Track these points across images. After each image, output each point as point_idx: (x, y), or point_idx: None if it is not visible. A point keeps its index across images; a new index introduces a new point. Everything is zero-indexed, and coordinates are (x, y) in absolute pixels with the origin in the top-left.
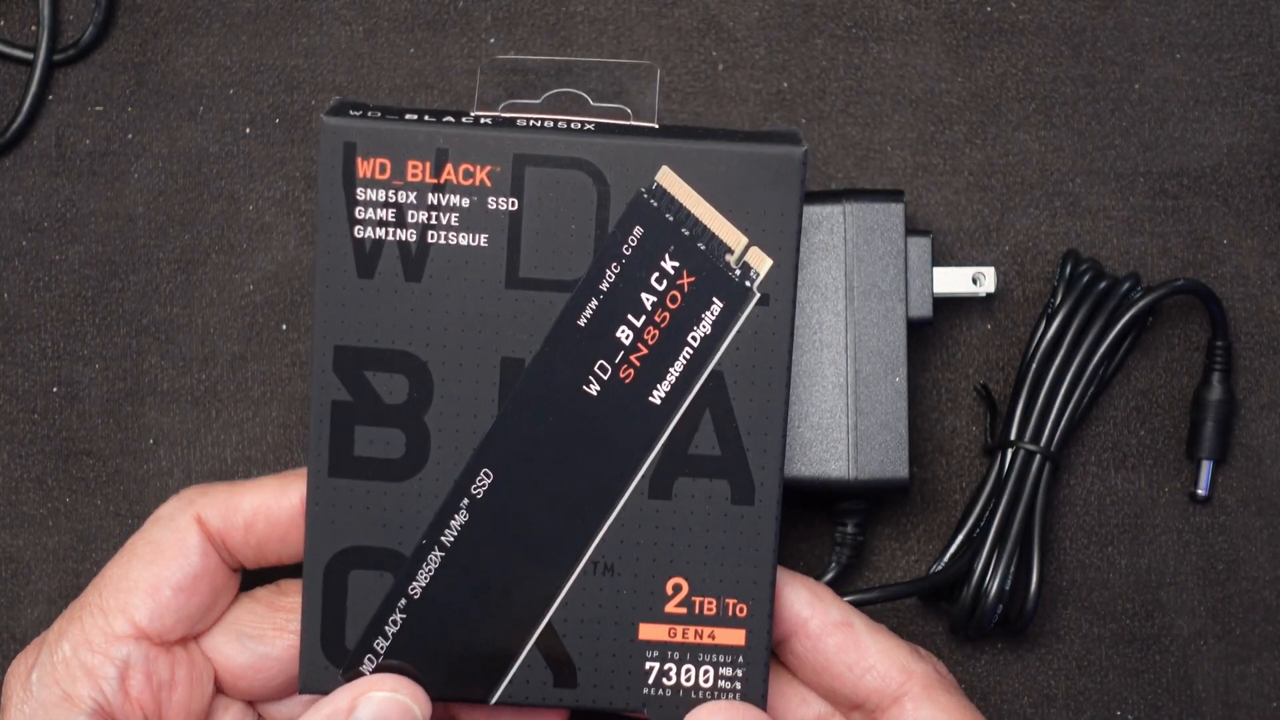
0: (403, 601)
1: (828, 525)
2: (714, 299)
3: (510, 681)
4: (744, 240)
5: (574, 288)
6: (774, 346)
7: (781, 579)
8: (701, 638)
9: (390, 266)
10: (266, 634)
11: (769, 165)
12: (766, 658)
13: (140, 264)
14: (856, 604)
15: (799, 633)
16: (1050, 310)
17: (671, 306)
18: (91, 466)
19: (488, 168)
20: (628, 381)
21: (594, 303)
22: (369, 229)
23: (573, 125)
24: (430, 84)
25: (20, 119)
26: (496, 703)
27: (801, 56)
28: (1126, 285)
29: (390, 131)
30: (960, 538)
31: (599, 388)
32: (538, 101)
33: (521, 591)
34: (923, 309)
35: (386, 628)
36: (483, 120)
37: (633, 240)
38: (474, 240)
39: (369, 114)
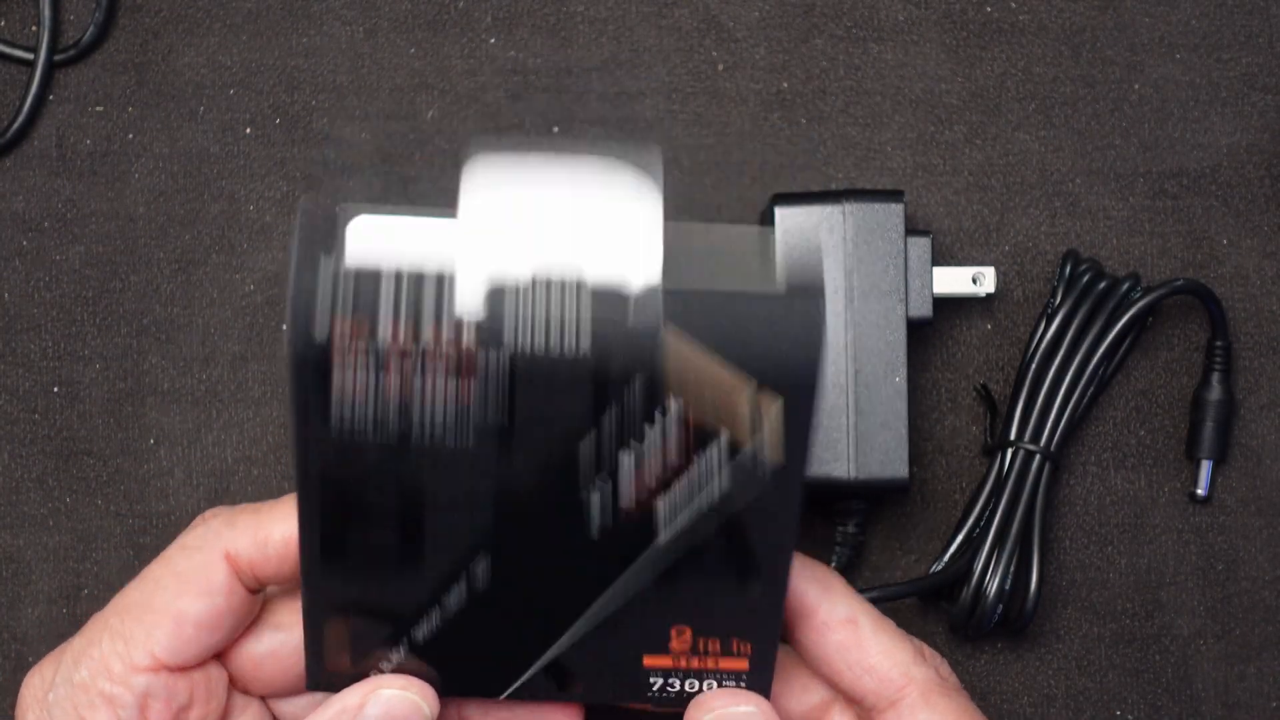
0: (405, 640)
1: (828, 525)
2: (720, 440)
3: (517, 688)
4: (749, 398)
5: (566, 442)
6: (783, 520)
7: (794, 563)
8: (706, 664)
9: (370, 448)
10: (284, 621)
11: (781, 379)
12: (770, 672)
13: (140, 264)
14: None
15: (803, 624)
16: (1050, 310)
17: (672, 452)
18: (92, 466)
19: (475, 338)
20: (630, 511)
21: (590, 442)
22: (345, 407)
23: (566, 298)
24: (430, 84)
25: (21, 119)
26: (505, 697)
27: (801, 56)
28: (1126, 285)
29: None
30: (960, 538)
31: (599, 510)
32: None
33: (523, 639)
34: (923, 309)
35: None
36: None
37: (632, 397)
38: (460, 401)
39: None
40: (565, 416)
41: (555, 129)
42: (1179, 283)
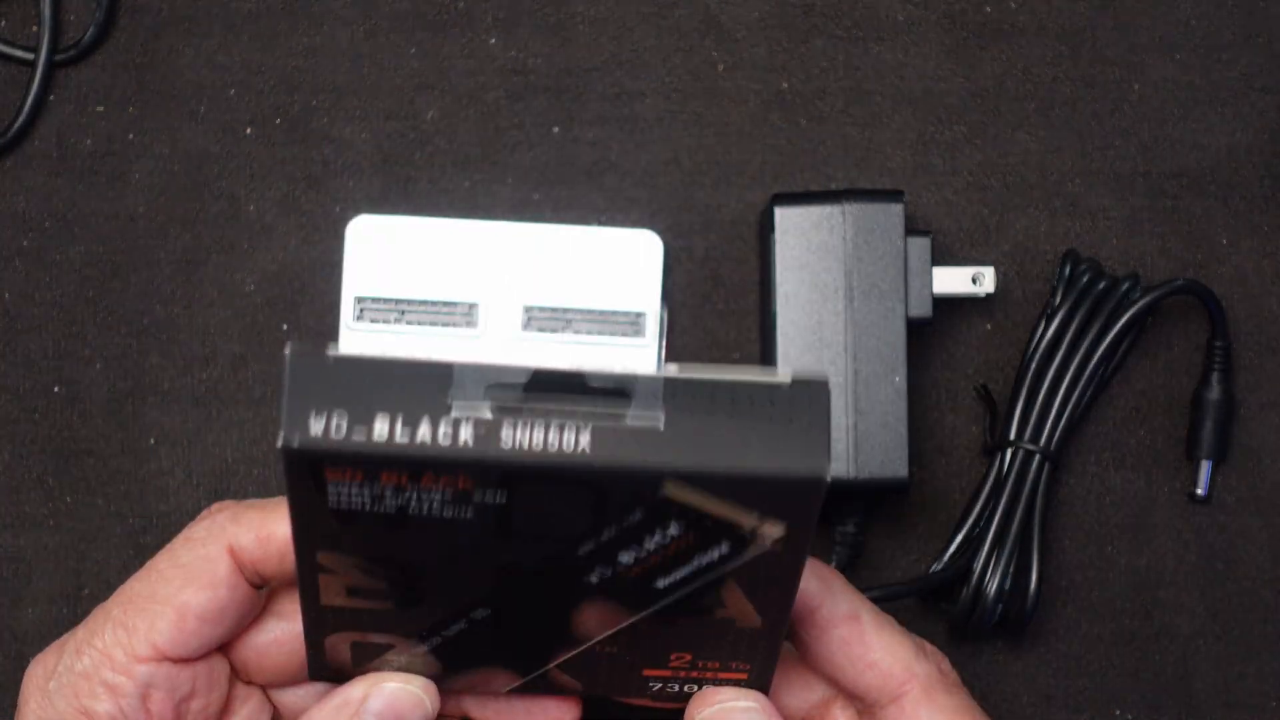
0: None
1: (828, 525)
2: (722, 545)
3: (520, 687)
4: (754, 520)
5: (566, 543)
6: (787, 583)
7: None
8: (705, 675)
9: (367, 526)
10: (286, 610)
11: (790, 476)
12: (770, 676)
13: (141, 264)
14: None
15: (805, 621)
16: (1050, 310)
17: (674, 549)
18: (92, 466)
19: (472, 481)
20: (632, 577)
21: (590, 545)
22: (342, 503)
23: (565, 436)
24: (430, 84)
25: (21, 119)
26: (508, 692)
27: (801, 56)
28: (1126, 285)
29: (360, 454)
30: (960, 537)
31: (599, 580)
32: (522, 383)
33: (523, 658)
34: (922, 309)
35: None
36: (462, 433)
37: (632, 518)
38: (459, 513)
39: (333, 424)
40: (565, 520)
41: (555, 129)
42: (1179, 283)
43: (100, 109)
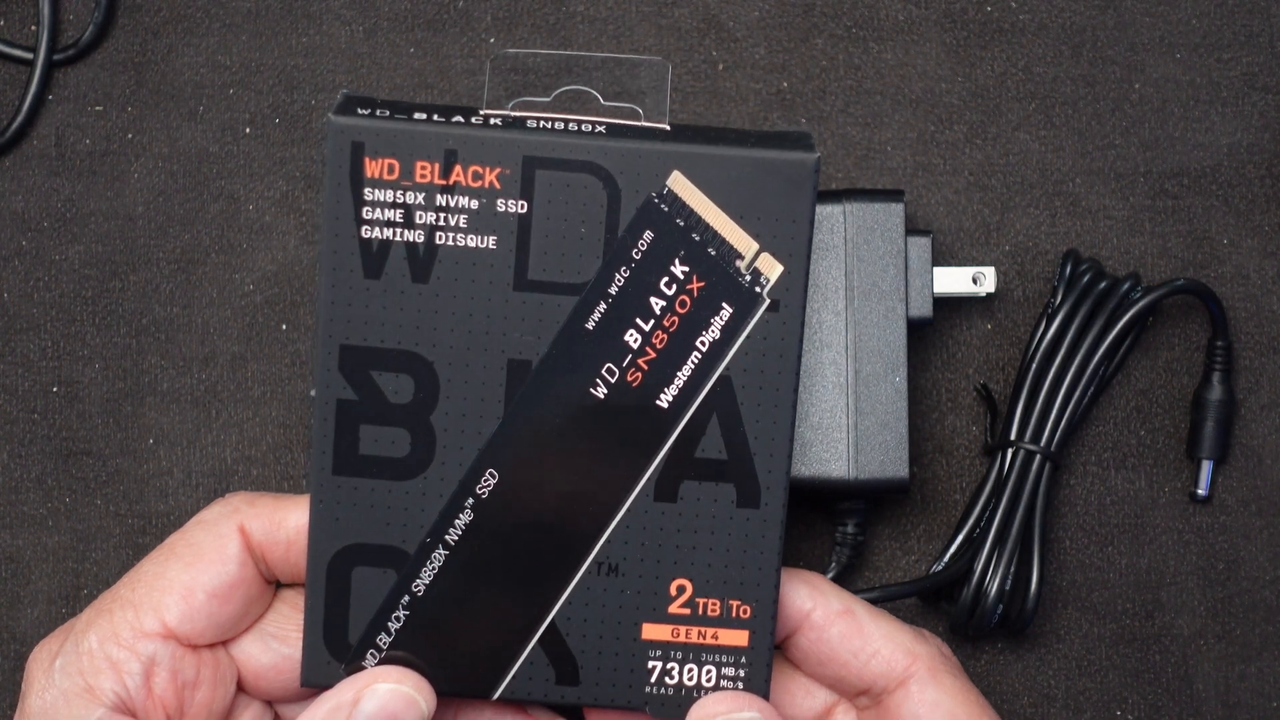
0: (406, 598)
1: (828, 525)
2: (724, 304)
3: (513, 678)
4: (755, 246)
5: (582, 291)
6: (783, 352)
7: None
8: (705, 638)
9: (397, 267)
10: (290, 635)
11: (781, 172)
12: (769, 657)
13: (140, 264)
14: None
15: (802, 626)
16: (1050, 310)
17: (681, 311)
18: (91, 466)
19: (497, 170)
20: (635, 385)
21: (602, 306)
22: (376, 229)
23: (583, 127)
24: (430, 84)
25: (20, 119)
26: (499, 698)
27: (801, 56)
28: (1126, 285)
29: (399, 132)
30: (960, 538)
31: (606, 390)
32: (548, 99)
33: (525, 590)
34: (923, 309)
35: (390, 623)
36: (492, 120)
37: (643, 244)
38: (482, 242)
39: (376, 112)
40: (579, 245)
41: None
42: (1179, 282)
43: (99, 108)
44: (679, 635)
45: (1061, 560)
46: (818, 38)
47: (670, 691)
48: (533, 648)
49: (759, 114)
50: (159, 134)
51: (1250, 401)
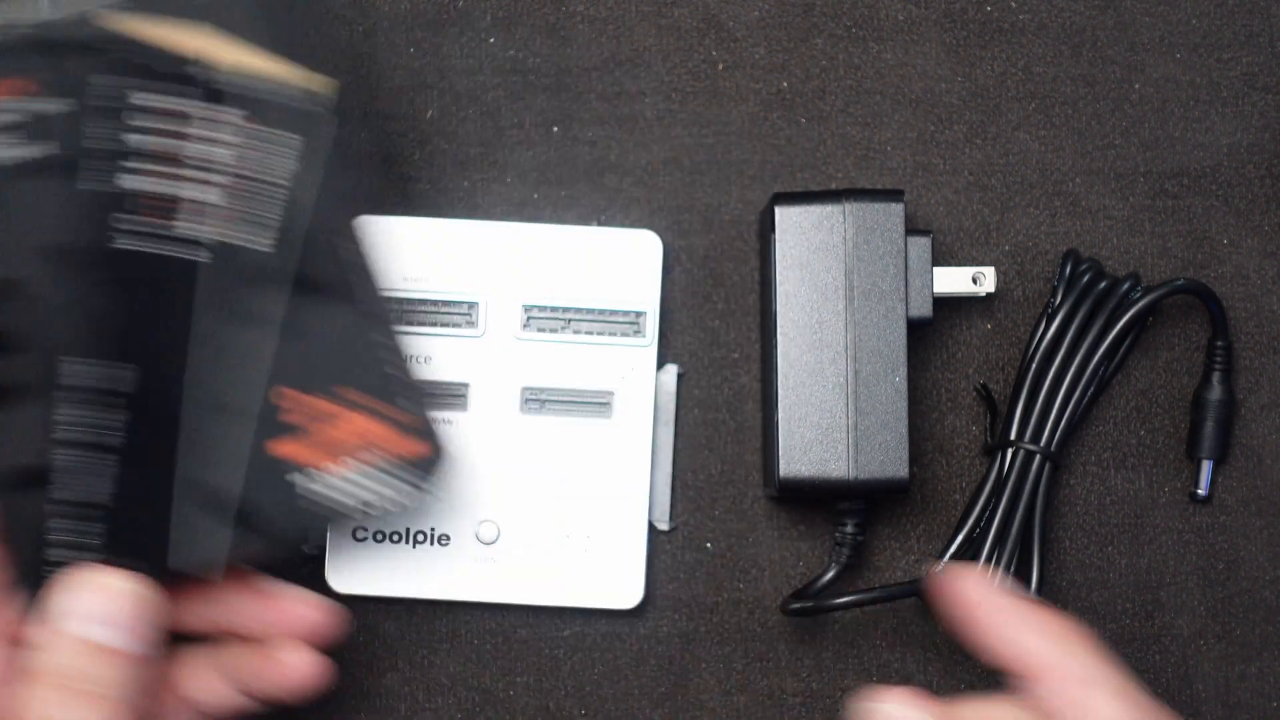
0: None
1: (828, 525)
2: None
3: (178, 544)
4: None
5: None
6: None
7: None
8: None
9: None
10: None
11: None
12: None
13: None
14: (856, 604)
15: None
16: (1050, 310)
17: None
18: None
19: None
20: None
21: (92, 143)
22: None
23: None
24: (430, 84)
25: None
26: (174, 564)
27: (801, 56)
28: (1126, 285)
29: None
30: (960, 538)
31: (125, 228)
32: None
33: (157, 461)
34: (923, 309)
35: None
36: None
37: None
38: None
39: None
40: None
41: (555, 129)
42: (1179, 282)
43: None
44: (304, 455)
45: (1061, 560)
46: (817, 37)
47: (319, 498)
48: (184, 508)
49: (759, 114)
50: None
51: (1250, 401)
